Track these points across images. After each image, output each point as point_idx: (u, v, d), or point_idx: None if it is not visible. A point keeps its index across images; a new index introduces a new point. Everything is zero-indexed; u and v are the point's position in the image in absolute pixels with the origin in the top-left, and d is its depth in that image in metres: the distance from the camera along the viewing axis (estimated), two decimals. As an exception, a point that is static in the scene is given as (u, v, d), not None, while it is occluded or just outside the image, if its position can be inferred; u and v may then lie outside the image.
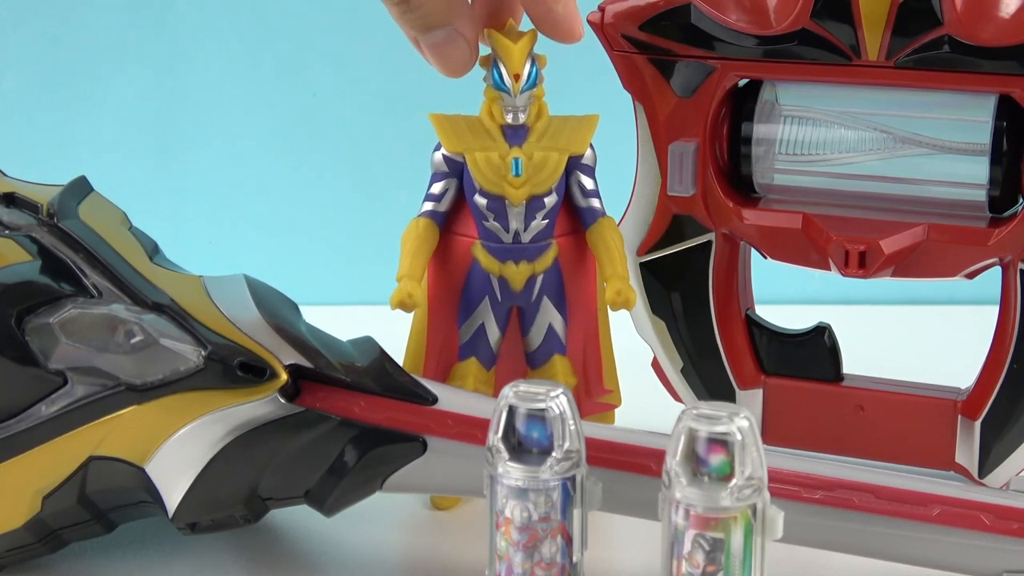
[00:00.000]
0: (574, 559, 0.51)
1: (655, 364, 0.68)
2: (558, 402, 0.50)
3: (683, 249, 0.65)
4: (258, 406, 0.55)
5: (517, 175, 0.61)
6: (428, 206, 0.63)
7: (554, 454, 0.50)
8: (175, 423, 0.55)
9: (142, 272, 0.57)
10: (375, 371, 0.57)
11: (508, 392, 0.50)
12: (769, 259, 0.65)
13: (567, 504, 0.51)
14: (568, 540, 0.51)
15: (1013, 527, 0.52)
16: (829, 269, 0.62)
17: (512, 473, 0.50)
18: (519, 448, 0.51)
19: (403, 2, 0.54)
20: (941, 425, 0.64)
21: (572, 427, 0.50)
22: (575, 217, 0.63)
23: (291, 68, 0.96)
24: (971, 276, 0.62)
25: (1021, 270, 0.61)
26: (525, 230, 0.61)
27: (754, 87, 0.63)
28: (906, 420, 0.64)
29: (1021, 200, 0.61)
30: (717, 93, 0.63)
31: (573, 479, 0.51)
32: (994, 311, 0.63)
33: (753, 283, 0.69)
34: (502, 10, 0.59)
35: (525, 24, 0.62)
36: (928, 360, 0.75)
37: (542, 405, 0.50)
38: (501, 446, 0.50)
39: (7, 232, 0.58)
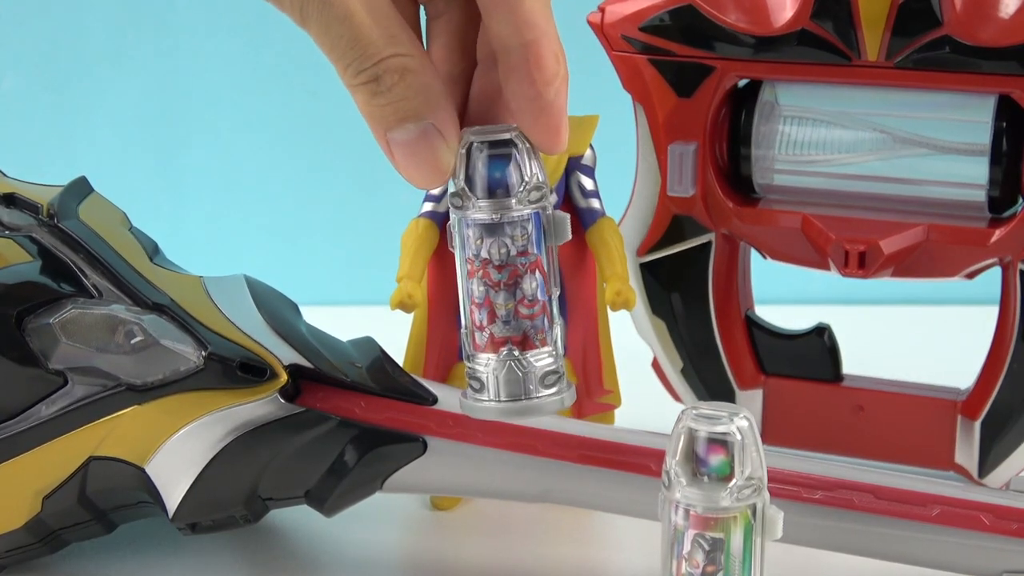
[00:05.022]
0: (552, 295, 0.50)
1: (655, 364, 0.68)
2: None
3: (683, 249, 0.65)
4: (258, 406, 0.55)
5: (517, 175, 0.60)
6: (428, 206, 0.63)
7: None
8: (175, 423, 0.55)
9: (142, 272, 0.57)
10: (375, 371, 0.57)
11: None
12: (769, 259, 0.65)
13: (540, 237, 0.49)
14: (545, 276, 0.49)
15: (1013, 527, 0.52)
16: (829, 269, 0.62)
17: (483, 208, 0.48)
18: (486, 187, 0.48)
19: (372, 81, 0.44)
20: (941, 425, 0.64)
21: None
22: (575, 217, 0.63)
23: (291, 68, 0.96)
24: (971, 276, 0.62)
25: (1021, 270, 0.61)
26: (525, 230, 0.61)
27: (754, 87, 0.63)
28: (906, 420, 0.64)
29: (1021, 200, 0.61)
30: (717, 93, 0.63)
31: (544, 210, 0.49)
32: (994, 311, 0.63)
33: (753, 283, 0.69)
34: (490, 113, 0.49)
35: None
36: (928, 360, 0.75)
37: (500, 136, 0.48)
38: (466, 187, 0.48)
39: (7, 232, 0.58)
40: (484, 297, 0.49)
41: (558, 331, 0.50)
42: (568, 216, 0.49)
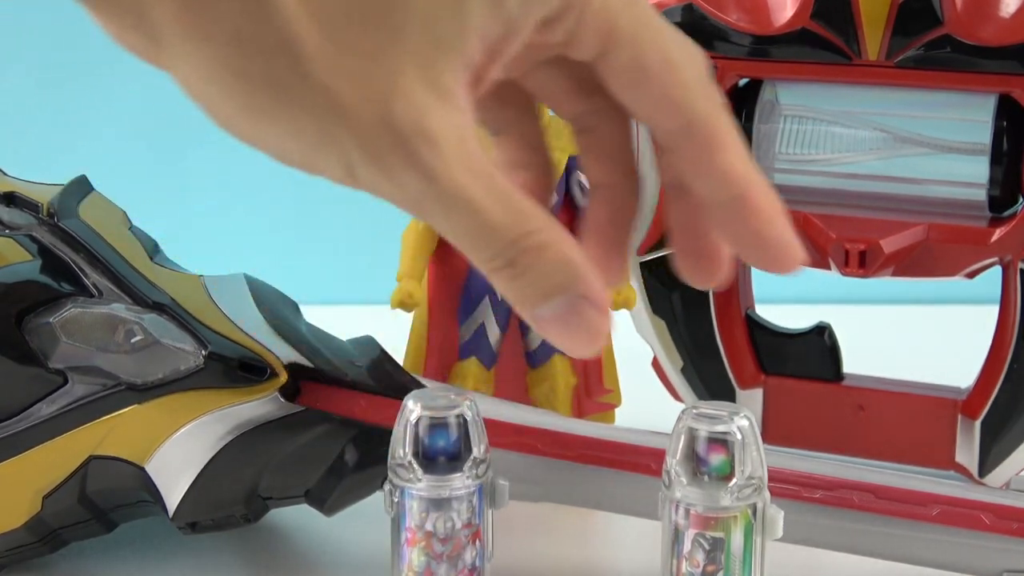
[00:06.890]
0: (487, 560, 0.51)
1: (655, 364, 0.68)
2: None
3: (683, 249, 0.65)
4: (258, 405, 0.55)
5: (517, 175, 0.61)
6: (428, 206, 0.63)
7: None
8: (175, 422, 0.55)
9: (142, 272, 0.57)
10: (375, 370, 0.57)
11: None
12: (769, 259, 0.65)
13: (483, 507, 0.50)
14: (483, 543, 0.51)
15: (1013, 527, 0.52)
16: (829, 268, 0.62)
17: (430, 483, 0.49)
18: (427, 458, 0.49)
19: (508, 266, 0.41)
20: (941, 425, 0.64)
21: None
22: (575, 217, 0.63)
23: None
24: (971, 276, 0.62)
25: (1021, 270, 0.61)
26: (525, 230, 0.61)
27: (754, 87, 0.63)
28: (906, 420, 0.64)
29: (1021, 200, 0.61)
30: (717, 93, 0.63)
31: (488, 481, 0.50)
32: (994, 311, 0.63)
33: (753, 283, 0.69)
34: (696, 238, 0.47)
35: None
36: (928, 360, 0.75)
37: (449, 413, 0.49)
38: (413, 461, 0.49)
39: (7, 232, 0.58)
40: (424, 567, 0.50)
41: None
42: (507, 485, 0.50)
